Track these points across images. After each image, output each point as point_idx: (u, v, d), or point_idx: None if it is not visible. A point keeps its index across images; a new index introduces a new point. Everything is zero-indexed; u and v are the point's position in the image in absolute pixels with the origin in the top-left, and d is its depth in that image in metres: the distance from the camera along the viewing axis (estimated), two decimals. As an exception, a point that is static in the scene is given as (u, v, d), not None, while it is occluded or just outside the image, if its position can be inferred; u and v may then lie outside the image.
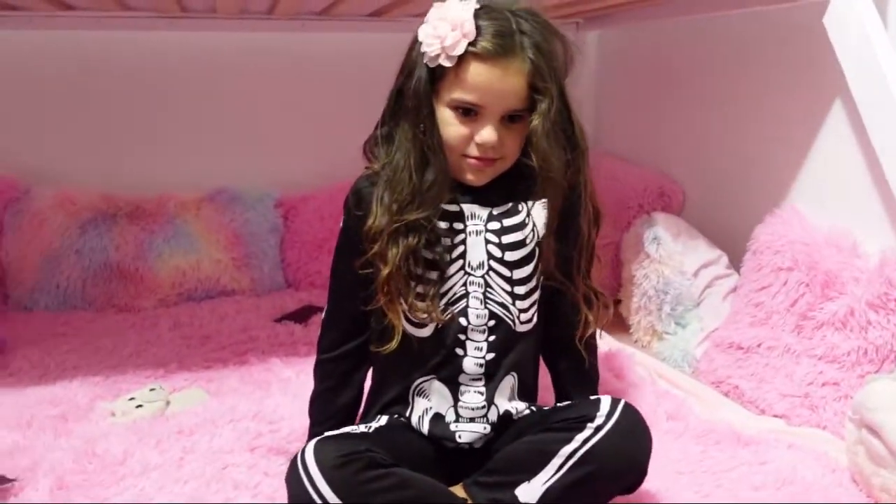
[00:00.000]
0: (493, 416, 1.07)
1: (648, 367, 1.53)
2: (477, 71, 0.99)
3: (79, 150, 2.15)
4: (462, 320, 1.06)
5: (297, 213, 2.22)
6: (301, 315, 1.91)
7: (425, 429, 1.07)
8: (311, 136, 2.28)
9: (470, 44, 0.98)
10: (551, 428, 1.00)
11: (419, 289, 1.04)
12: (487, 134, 1.00)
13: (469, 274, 1.07)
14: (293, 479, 0.95)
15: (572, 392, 1.14)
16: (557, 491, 0.96)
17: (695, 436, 1.28)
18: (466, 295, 1.06)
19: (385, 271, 1.02)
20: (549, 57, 1.00)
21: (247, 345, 1.72)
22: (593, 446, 0.96)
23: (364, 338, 1.14)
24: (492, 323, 1.07)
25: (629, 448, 0.98)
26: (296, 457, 0.97)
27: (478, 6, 1.00)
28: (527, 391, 1.12)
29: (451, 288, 1.07)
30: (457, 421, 1.07)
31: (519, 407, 1.08)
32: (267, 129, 2.26)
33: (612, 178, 2.07)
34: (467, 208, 1.07)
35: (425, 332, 1.07)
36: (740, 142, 1.79)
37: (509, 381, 1.09)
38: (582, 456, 0.96)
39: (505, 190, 1.08)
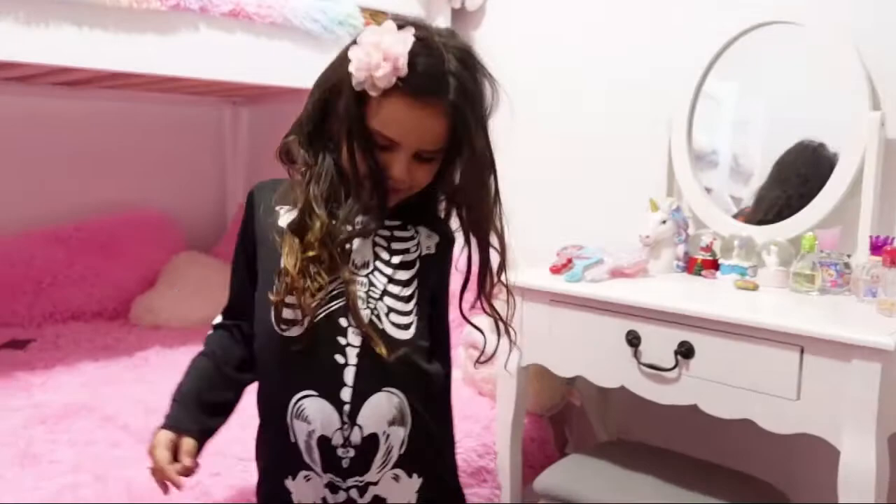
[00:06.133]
0: None
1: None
2: (399, 106, 0.95)
3: None
4: (341, 321, 0.98)
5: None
6: (16, 345, 2.12)
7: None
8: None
9: (398, 78, 0.93)
10: None
11: (308, 282, 0.96)
12: (397, 171, 0.98)
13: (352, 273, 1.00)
14: None
15: None
16: None
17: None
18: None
19: (290, 259, 0.97)
20: (473, 101, 0.98)
21: (-20, 367, 1.92)
22: None
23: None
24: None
25: None
26: None
27: (415, 38, 0.94)
28: None
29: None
30: None
31: None
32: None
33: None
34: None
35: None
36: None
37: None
38: None
39: (400, 210, 1.05)
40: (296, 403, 0.97)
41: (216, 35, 1.77)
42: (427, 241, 1.07)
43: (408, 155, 0.98)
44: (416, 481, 1.02)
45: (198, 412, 1.06)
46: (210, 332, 1.14)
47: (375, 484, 0.99)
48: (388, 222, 1.04)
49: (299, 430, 0.97)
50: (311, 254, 0.96)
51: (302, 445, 0.97)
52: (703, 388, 1.36)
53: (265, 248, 1.03)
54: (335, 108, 0.99)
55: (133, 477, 1.35)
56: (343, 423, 0.96)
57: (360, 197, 0.99)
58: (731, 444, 1.71)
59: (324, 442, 0.96)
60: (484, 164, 1.00)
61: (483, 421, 1.73)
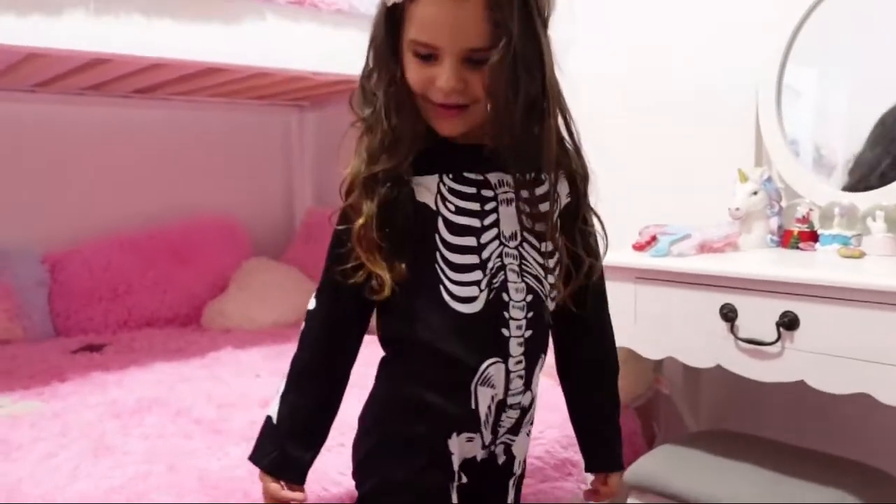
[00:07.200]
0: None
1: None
2: (427, 6, 0.88)
3: None
4: (504, 296, 0.95)
5: (63, 267, 2.41)
6: (92, 347, 2.14)
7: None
8: (72, 198, 2.50)
9: None
10: None
11: (455, 258, 0.95)
12: (444, 79, 0.89)
13: (504, 245, 0.96)
14: None
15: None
16: None
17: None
18: (503, 268, 0.96)
19: (360, 222, 0.93)
20: None
21: (57, 368, 1.91)
22: None
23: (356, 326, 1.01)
24: (529, 298, 0.97)
25: None
26: None
27: None
28: None
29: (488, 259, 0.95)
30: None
31: None
32: (30, 193, 2.43)
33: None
34: (493, 176, 0.97)
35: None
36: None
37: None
38: None
39: (529, 160, 0.94)
40: (483, 371, 0.96)
41: (281, 24, 1.75)
42: (563, 190, 1.00)
43: (454, 59, 0.89)
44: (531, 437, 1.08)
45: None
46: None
47: (515, 441, 1.04)
48: (521, 177, 0.96)
49: (483, 396, 0.97)
50: None
51: (482, 409, 0.98)
52: (810, 361, 1.24)
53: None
54: (377, 38, 0.95)
55: (205, 466, 1.31)
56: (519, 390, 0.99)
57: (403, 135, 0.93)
58: (836, 431, 1.58)
59: (500, 405, 0.99)
60: (529, 58, 0.87)
61: (565, 411, 1.63)
